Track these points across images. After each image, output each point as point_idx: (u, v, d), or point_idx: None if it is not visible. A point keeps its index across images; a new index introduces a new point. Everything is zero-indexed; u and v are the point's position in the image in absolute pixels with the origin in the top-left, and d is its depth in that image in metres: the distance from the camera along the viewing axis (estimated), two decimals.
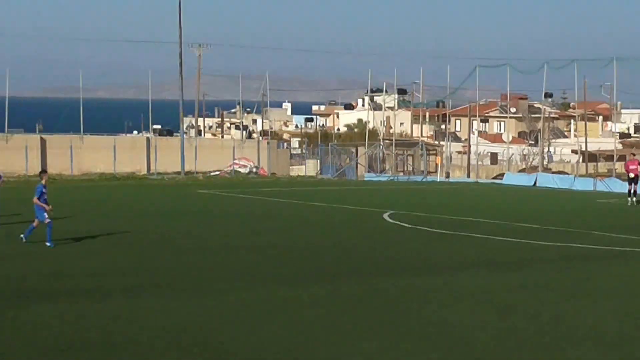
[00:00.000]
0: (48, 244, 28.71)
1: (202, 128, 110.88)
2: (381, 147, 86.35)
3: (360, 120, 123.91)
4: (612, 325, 19.76)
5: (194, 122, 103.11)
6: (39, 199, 28.72)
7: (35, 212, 29.18)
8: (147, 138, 78.23)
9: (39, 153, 68.25)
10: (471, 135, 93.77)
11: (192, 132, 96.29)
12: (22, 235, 29.43)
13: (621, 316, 20.88)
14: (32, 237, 29.37)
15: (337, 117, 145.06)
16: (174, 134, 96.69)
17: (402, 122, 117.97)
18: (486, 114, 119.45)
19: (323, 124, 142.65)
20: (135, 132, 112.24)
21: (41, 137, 71.24)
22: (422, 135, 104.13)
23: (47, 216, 28.84)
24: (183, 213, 42.63)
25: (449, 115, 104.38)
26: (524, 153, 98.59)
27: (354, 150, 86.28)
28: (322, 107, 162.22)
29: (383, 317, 19.87)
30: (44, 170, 32.09)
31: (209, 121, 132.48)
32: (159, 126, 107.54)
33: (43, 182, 29.31)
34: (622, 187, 66.72)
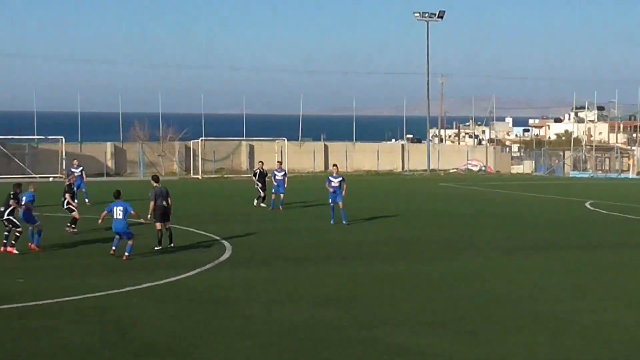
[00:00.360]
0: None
1: (443, 137, 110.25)
2: (583, 151, 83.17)
3: (566, 131, 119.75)
4: None
5: (437, 132, 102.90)
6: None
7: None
8: (402, 144, 78.59)
9: (323, 156, 70.03)
10: None
11: (436, 140, 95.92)
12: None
13: None
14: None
15: (548, 128, 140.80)
16: (422, 141, 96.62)
17: (601, 132, 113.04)
18: None
19: (537, 134, 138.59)
20: (393, 140, 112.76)
21: (324, 144, 72.97)
22: (617, 142, 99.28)
23: None
24: (429, 198, 42.63)
25: (639, 126, 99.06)
26: None
27: (561, 153, 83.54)
28: (536, 121, 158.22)
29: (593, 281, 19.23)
30: None
31: (449, 132, 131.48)
32: (411, 135, 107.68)
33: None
34: None
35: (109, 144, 64.18)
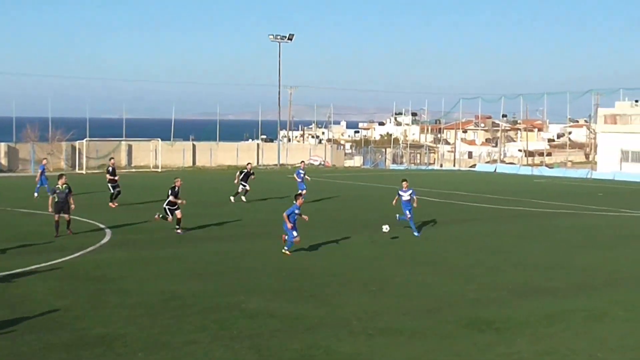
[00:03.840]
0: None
1: (291, 137, 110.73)
2: (400, 148, 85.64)
3: (388, 132, 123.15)
4: (540, 256, 19.40)
5: (286, 133, 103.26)
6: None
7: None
8: (257, 144, 78.34)
9: (191, 153, 68.83)
10: (456, 140, 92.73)
11: (285, 140, 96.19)
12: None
13: (546, 250, 20.49)
14: None
15: (374, 129, 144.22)
16: (274, 141, 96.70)
17: (414, 133, 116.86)
18: (466, 128, 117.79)
19: (365, 135, 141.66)
20: (250, 140, 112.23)
21: (193, 144, 71.70)
22: (425, 141, 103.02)
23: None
24: (279, 187, 42.66)
25: (442, 129, 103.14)
26: (489, 151, 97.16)
27: (384, 150, 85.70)
28: (365, 124, 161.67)
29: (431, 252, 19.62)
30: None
31: (296, 133, 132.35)
32: (264, 136, 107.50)
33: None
34: (549, 172, 65.64)
35: (2, 144, 60.57)
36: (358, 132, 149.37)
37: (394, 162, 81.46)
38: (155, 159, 64.04)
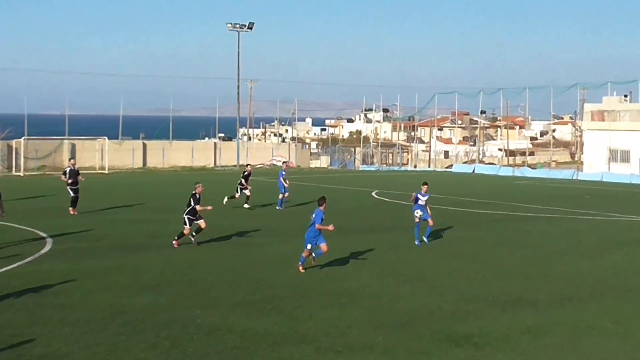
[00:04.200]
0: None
1: (251, 135, 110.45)
2: (371, 147, 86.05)
3: (357, 130, 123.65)
4: (521, 264, 19.65)
5: (246, 131, 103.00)
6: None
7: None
8: (215, 142, 78.06)
9: (141, 153, 68.33)
10: (431, 139, 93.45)
11: (245, 138, 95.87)
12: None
13: (527, 257, 20.76)
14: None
15: (342, 127, 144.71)
16: (232, 139, 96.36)
17: (385, 130, 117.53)
18: (441, 125, 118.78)
19: (332, 132, 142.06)
20: (206, 138, 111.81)
21: (143, 142, 71.18)
22: (398, 139, 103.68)
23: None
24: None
25: (416, 126, 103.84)
26: (466, 151, 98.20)
27: (353, 149, 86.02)
28: (332, 121, 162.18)
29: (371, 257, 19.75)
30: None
31: (256, 131, 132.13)
32: (222, 134, 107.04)
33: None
34: (531, 173, 66.53)
35: None
36: (325, 129, 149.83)
37: (363, 162, 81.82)
38: (102, 159, 63.43)
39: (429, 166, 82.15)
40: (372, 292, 16.02)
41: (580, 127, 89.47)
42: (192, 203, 21.62)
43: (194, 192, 21.89)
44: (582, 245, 23.64)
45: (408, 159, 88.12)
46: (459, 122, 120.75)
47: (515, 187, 51.19)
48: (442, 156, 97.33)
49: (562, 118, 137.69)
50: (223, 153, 72.93)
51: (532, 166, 76.51)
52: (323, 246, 18.19)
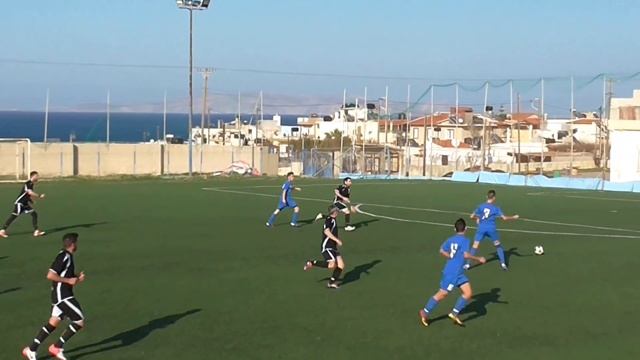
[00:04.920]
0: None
1: (207, 137, 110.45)
2: (353, 151, 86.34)
3: (336, 130, 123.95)
4: (535, 293, 19.75)
5: (200, 132, 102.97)
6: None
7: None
8: (162, 145, 77.81)
9: (72, 158, 67.94)
10: (426, 141, 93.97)
11: (199, 140, 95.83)
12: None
13: (542, 284, 20.87)
14: None
15: (318, 127, 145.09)
16: (184, 141, 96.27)
17: (371, 131, 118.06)
18: (439, 124, 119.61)
19: (306, 133, 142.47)
20: (152, 140, 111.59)
21: (74, 145, 70.81)
22: (386, 142, 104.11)
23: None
24: (189, 205, 42.44)
25: (408, 125, 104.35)
26: (469, 155, 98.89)
27: (331, 154, 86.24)
28: (306, 119, 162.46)
29: (355, 289, 19.80)
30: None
31: (213, 131, 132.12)
32: (171, 135, 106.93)
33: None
34: (548, 182, 67.07)
35: None
36: (297, 129, 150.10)
37: (344, 169, 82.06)
38: (23, 166, 62.94)
39: (424, 174, 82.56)
40: (354, 326, 16.04)
41: (606, 127, 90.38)
42: (328, 229, 20.22)
43: (329, 216, 20.55)
44: (609, 270, 23.85)
45: (398, 166, 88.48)
46: (460, 120, 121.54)
47: (529, 199, 51.55)
48: (439, 162, 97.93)
49: (585, 116, 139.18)
50: (172, 158, 72.65)
51: (549, 174, 77.15)
52: (466, 289, 16.48)
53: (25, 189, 29.61)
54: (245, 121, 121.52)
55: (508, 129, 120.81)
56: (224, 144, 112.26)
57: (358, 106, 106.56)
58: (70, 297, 13.89)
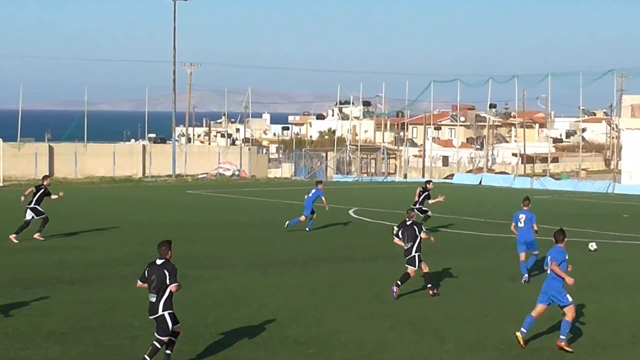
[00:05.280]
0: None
1: (191, 136, 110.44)
2: (348, 151, 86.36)
3: (330, 129, 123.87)
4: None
5: (184, 131, 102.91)
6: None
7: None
8: (143, 145, 77.80)
9: (47, 159, 67.85)
10: (426, 141, 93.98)
11: (183, 139, 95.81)
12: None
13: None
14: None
15: (310, 125, 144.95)
16: (167, 141, 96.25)
17: (366, 130, 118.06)
18: (439, 123, 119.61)
19: (297, 132, 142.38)
20: (132, 140, 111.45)
21: (49, 145, 70.76)
22: (383, 142, 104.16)
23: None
24: (173, 209, 42.43)
25: (407, 124, 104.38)
26: (471, 156, 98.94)
27: (324, 154, 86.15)
28: (297, 118, 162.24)
29: (353, 298, 19.83)
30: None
31: (198, 130, 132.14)
32: (153, 135, 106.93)
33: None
34: (555, 184, 67.16)
35: None
36: (287, 128, 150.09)
37: (338, 171, 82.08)
38: None
39: (423, 176, 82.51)
40: (348, 339, 16.05)
41: (617, 126, 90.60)
42: (418, 234, 20.57)
43: (407, 221, 20.88)
44: (620, 278, 23.91)
45: (396, 167, 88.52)
46: (462, 119, 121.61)
47: (535, 203, 51.55)
48: (439, 163, 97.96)
49: (595, 114, 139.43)
50: (154, 159, 72.61)
51: (556, 176, 77.26)
52: (569, 312, 15.69)
53: (42, 193, 29.34)
54: (232, 119, 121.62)
55: (513, 127, 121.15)
56: (209, 143, 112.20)
57: (353, 103, 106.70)
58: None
